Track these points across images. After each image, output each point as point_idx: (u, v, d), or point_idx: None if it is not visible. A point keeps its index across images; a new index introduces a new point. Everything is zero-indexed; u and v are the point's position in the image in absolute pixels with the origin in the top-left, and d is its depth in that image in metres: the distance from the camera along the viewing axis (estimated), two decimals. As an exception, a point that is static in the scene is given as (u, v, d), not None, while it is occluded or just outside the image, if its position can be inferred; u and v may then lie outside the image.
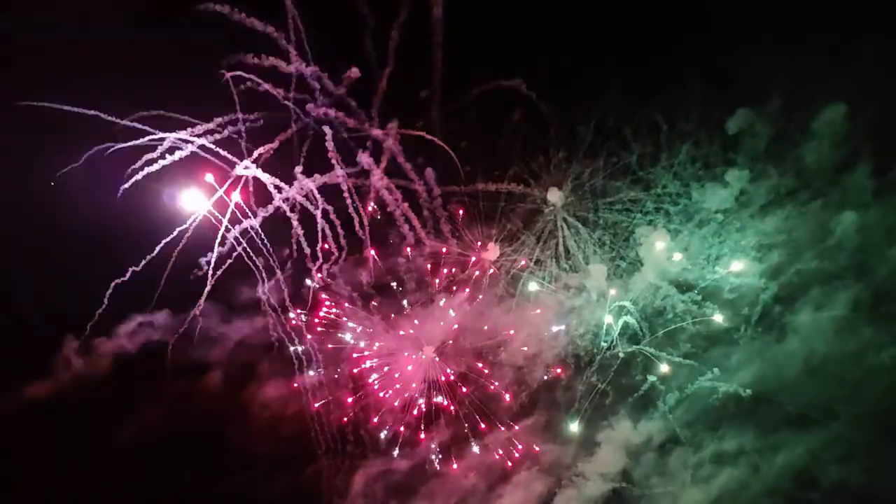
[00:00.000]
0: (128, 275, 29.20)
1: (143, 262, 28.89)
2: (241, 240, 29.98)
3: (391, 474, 34.98)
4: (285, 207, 29.89)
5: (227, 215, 29.39)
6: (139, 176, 27.52)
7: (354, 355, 34.93)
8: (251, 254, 30.56)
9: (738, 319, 33.14)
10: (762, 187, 31.43)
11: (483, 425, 34.85)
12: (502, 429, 34.77)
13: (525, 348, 34.38)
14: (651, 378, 33.99)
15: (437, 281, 34.07)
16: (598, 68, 29.87)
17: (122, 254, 29.11)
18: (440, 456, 34.94)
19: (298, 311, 33.40)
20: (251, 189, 29.80)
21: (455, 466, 34.87)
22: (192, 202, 29.16)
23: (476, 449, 34.84)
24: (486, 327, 34.51)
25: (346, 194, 30.21)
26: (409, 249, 33.14)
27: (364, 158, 29.77)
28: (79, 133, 26.09)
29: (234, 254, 30.18)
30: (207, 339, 32.19)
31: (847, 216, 30.86)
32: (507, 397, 34.61)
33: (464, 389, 34.78)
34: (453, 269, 34.08)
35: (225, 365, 32.91)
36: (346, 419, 34.86)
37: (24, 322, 29.31)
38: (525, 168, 32.35)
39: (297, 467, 34.13)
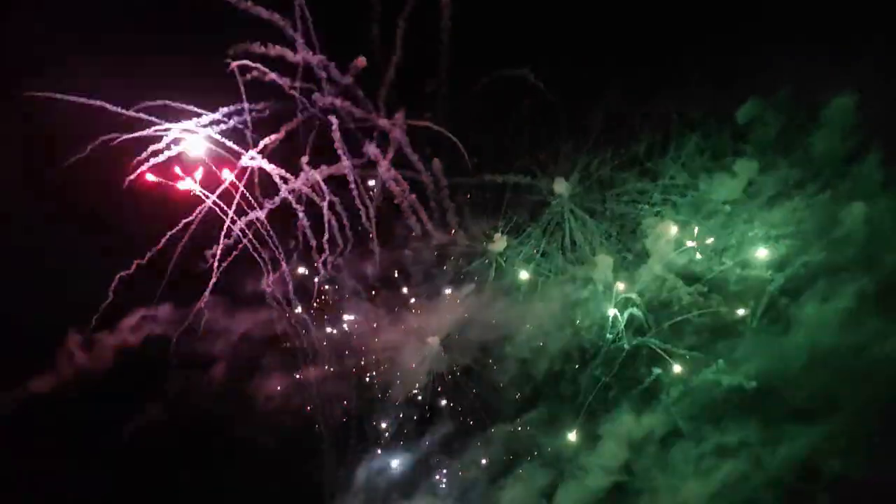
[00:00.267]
0: (133, 268, 28.90)
1: (149, 255, 28.58)
2: (247, 231, 29.77)
3: (394, 467, 34.86)
4: (291, 199, 29.62)
5: (233, 207, 29.17)
6: (144, 167, 27.24)
7: (358, 348, 34.61)
8: (257, 246, 30.38)
9: (744, 311, 32.90)
10: (771, 178, 31.20)
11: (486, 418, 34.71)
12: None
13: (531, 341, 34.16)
14: (656, 370, 33.79)
15: (443, 273, 33.77)
16: (607, 58, 29.72)
17: (126, 246, 28.86)
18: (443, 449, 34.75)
19: (303, 303, 33.04)
20: (256, 180, 29.57)
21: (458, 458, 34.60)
22: (198, 194, 28.83)
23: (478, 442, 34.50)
24: (492, 320, 34.17)
25: (352, 185, 29.94)
26: (415, 242, 32.84)
27: (371, 149, 29.46)
28: (83, 124, 25.67)
29: (240, 245, 29.93)
30: (211, 333, 31.94)
31: (855, 207, 30.64)
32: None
33: (468, 382, 34.50)
34: (460, 261, 33.78)
35: (228, 358, 32.71)
36: (349, 413, 34.61)
37: (26, 315, 28.79)
38: (532, 159, 32.12)
39: (300, 461, 33.91)
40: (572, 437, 34.52)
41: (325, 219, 30.24)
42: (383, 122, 29.65)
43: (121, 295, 29.41)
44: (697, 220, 32.48)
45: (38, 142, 27.12)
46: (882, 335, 30.96)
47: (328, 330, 34.32)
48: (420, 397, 35.06)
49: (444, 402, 35.15)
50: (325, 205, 29.97)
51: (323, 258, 31.38)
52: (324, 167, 29.62)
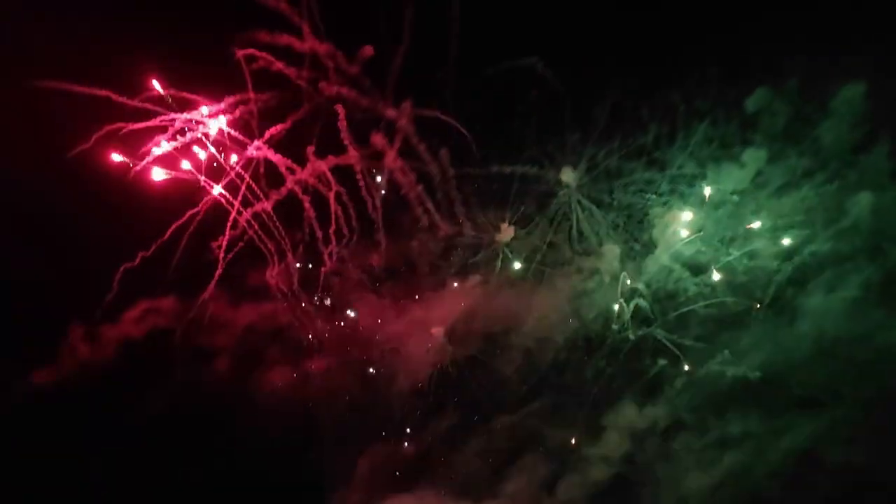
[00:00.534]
0: (137, 260, 28.66)
1: (155, 247, 28.37)
2: (253, 223, 29.59)
3: (397, 459, 34.70)
4: (297, 190, 29.43)
5: (239, 198, 28.96)
6: (150, 158, 26.97)
7: (363, 339, 34.48)
8: (263, 237, 30.19)
9: (751, 302, 32.82)
10: (779, 167, 31.05)
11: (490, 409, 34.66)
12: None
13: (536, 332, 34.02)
14: (661, 362, 33.74)
15: (449, 264, 33.67)
16: (615, 47, 29.44)
17: (131, 238, 28.75)
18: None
19: (308, 295, 32.87)
20: (262, 171, 29.34)
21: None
22: (204, 185, 28.56)
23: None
24: (497, 311, 34.02)
25: (359, 176, 29.74)
26: (422, 233, 32.68)
27: (378, 139, 29.24)
28: (89, 114, 25.42)
29: (246, 237, 29.74)
30: (215, 325, 31.80)
31: (863, 197, 30.53)
32: None
33: (472, 373, 34.42)
34: (466, 252, 33.70)
35: (233, 350, 32.54)
36: (352, 404, 34.53)
37: (29, 308, 28.79)
38: (540, 150, 31.92)
39: (303, 453, 33.82)
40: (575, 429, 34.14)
41: (332, 210, 29.99)
42: (390, 112, 29.37)
43: (125, 286, 29.10)
44: (705, 210, 32.10)
45: (43, 131, 26.77)
46: (887, 325, 30.83)
47: (333, 321, 34.03)
48: (424, 388, 34.84)
49: (448, 394, 34.94)
50: (331, 195, 29.71)
51: (329, 250, 31.17)
52: (330, 157, 29.32)
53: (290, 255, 31.21)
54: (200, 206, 28.79)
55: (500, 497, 34.08)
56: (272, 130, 28.68)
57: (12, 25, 25.11)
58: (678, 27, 29.47)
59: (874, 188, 30.31)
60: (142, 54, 26.07)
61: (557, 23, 29.62)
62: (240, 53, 26.24)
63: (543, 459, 34.55)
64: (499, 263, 33.77)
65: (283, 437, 32.91)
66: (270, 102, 28.44)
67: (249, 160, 28.84)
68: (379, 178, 30.78)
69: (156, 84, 26.62)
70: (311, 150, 29.30)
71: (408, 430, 35.06)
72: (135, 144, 27.16)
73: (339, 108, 28.79)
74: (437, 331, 34.10)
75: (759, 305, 32.87)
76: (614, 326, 33.93)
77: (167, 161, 27.90)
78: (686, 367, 33.70)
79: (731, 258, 32.60)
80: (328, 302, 33.82)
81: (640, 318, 33.86)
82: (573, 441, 34.79)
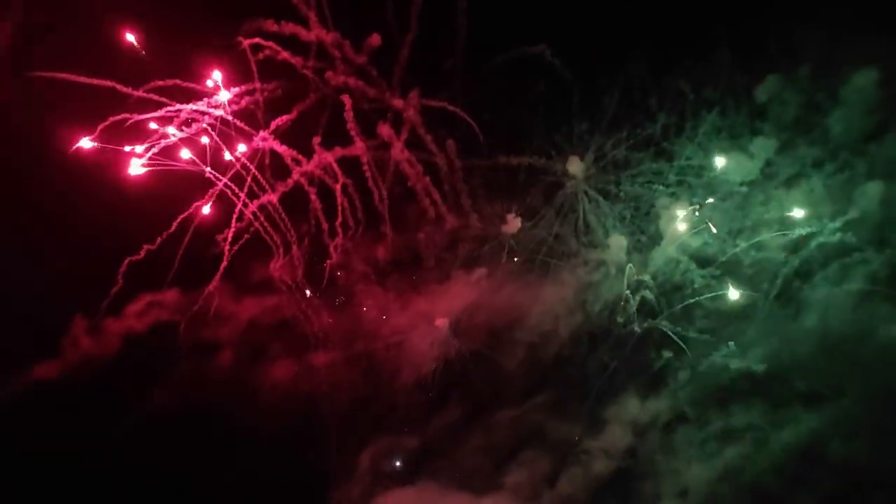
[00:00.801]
0: (142, 253, 28.36)
1: (160, 239, 28.08)
2: (259, 215, 29.31)
3: (400, 452, 34.59)
4: (303, 181, 29.13)
5: (245, 189, 28.67)
6: (155, 149, 26.67)
7: (368, 332, 34.27)
8: (269, 229, 29.92)
9: (757, 294, 32.70)
10: (788, 158, 30.88)
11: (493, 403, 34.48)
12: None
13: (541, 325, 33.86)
14: (666, 354, 33.60)
15: (455, 256, 33.43)
16: (624, 36, 29.27)
17: (136, 230, 28.45)
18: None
19: (314, 287, 32.63)
20: (267, 162, 29.03)
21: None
22: (209, 175, 28.29)
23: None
24: (502, 304, 33.84)
25: (365, 167, 29.48)
26: (428, 225, 32.43)
27: (384, 130, 28.94)
28: (93, 105, 25.08)
29: (252, 229, 29.47)
30: (219, 318, 31.55)
31: (872, 187, 30.38)
32: None
33: (476, 366, 34.31)
34: (472, 245, 33.45)
35: (236, 344, 32.27)
36: (356, 396, 34.27)
37: (32, 301, 28.44)
38: (547, 140, 31.67)
39: (307, 447, 33.74)
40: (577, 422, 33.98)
41: (339, 202, 29.73)
42: (397, 102, 29.06)
43: (129, 280, 28.80)
44: (714, 201, 32.04)
45: (48, 123, 26.44)
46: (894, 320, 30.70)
47: (338, 314, 33.79)
48: (428, 382, 34.62)
49: (451, 387, 34.73)
50: (338, 187, 29.45)
51: (335, 242, 30.91)
52: (337, 148, 29.04)
53: (295, 248, 30.91)
54: (206, 198, 28.42)
55: (503, 490, 33.88)
56: (278, 121, 28.45)
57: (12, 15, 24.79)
58: (687, 14, 29.19)
59: (885, 178, 30.12)
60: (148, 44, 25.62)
61: (565, 11, 29.34)
62: (246, 43, 25.84)
63: (546, 453, 34.25)
64: (504, 255, 33.50)
65: (286, 430, 32.76)
66: (276, 92, 28.21)
67: (255, 151, 28.47)
68: None
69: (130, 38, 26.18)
70: (317, 140, 29.02)
71: (411, 424, 34.79)
72: (140, 136, 26.72)
73: (346, 99, 28.57)
74: (442, 322, 33.79)
75: (764, 298, 32.57)
76: (619, 319, 33.70)
77: (172, 152, 27.50)
78: (691, 360, 33.38)
79: (737, 250, 32.32)
80: (333, 295, 33.53)
81: (645, 310, 33.59)
82: (577, 435, 34.58)
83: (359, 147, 29.06)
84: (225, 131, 27.98)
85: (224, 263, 29.87)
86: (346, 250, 31.85)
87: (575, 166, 31.91)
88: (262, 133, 28.21)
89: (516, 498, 33.60)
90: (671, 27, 29.25)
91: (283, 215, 29.91)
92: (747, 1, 28.76)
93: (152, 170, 27.38)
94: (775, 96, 30.06)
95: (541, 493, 33.77)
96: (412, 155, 30.05)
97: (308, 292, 32.71)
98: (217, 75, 27.14)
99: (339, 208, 30.13)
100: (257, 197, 29.24)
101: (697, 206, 32.10)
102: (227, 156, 28.46)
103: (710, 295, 32.84)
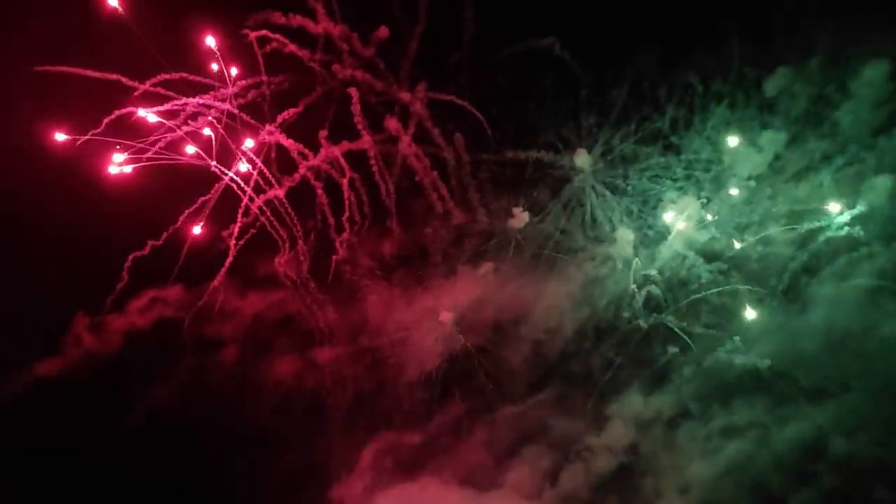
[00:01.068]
0: (147, 249, 28.10)
1: (166, 235, 27.84)
2: (265, 209, 29.05)
3: (402, 448, 34.32)
4: (310, 176, 28.90)
5: (251, 184, 28.43)
6: (161, 144, 26.37)
7: (373, 328, 34.05)
8: (275, 224, 29.66)
9: (764, 290, 32.58)
10: (797, 151, 30.70)
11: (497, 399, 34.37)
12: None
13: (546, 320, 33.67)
14: (672, 350, 33.50)
15: (461, 251, 33.24)
16: (633, 28, 29.07)
17: (140, 226, 28.28)
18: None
19: (319, 283, 32.39)
20: (273, 156, 28.77)
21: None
22: (215, 170, 28.07)
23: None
24: (507, 299, 33.66)
25: (372, 161, 29.22)
26: (435, 220, 32.22)
27: (392, 124, 28.68)
28: (99, 98, 24.88)
29: (258, 223, 29.21)
30: (224, 314, 31.37)
31: (881, 181, 30.23)
32: None
33: (481, 362, 34.08)
34: (478, 239, 33.28)
35: (241, 340, 32.15)
36: (359, 392, 34.12)
37: (35, 298, 28.30)
38: (555, 134, 31.44)
39: (310, 442, 33.50)
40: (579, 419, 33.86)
41: (346, 197, 29.48)
42: (405, 96, 28.82)
43: (134, 275, 28.61)
44: (720, 195, 31.78)
45: (53, 116, 26.08)
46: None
47: (343, 310, 33.56)
48: (432, 377, 34.42)
49: (455, 383, 34.57)
50: (345, 182, 29.21)
51: (341, 238, 30.69)
52: (344, 143, 28.78)
53: (301, 243, 30.65)
54: (212, 192, 28.16)
55: (505, 487, 33.80)
56: (284, 114, 28.20)
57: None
58: (696, 5, 29.02)
59: (894, 171, 30.00)
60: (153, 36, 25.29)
61: (573, 4, 29.20)
62: (252, 35, 25.52)
63: (549, 450, 34.15)
64: (511, 250, 33.34)
65: (289, 426, 32.83)
66: (283, 86, 27.96)
67: (261, 145, 28.22)
68: None
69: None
70: (323, 134, 28.78)
71: (414, 420, 34.61)
72: (145, 130, 26.46)
73: (353, 92, 28.31)
74: (447, 317, 33.59)
75: (771, 294, 32.49)
76: (625, 314, 33.53)
77: (177, 147, 27.19)
78: (696, 356, 33.27)
79: (745, 245, 32.18)
80: (338, 290, 33.27)
81: (651, 305, 33.46)
82: (580, 431, 34.45)
83: (366, 141, 28.84)
84: (231, 125, 27.72)
85: (229, 259, 29.58)
86: (352, 245, 31.64)
87: (582, 159, 31.67)
88: (268, 127, 27.91)
89: (519, 494, 33.48)
90: (680, 19, 29.02)
91: (289, 210, 29.64)
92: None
93: (155, 165, 27.05)
94: (785, 89, 29.82)
95: (543, 489, 33.71)
96: (420, 149, 29.81)
97: (313, 288, 32.40)
98: (223, 67, 26.92)
99: (346, 203, 29.87)
100: (263, 191, 28.96)
101: (705, 201, 31.88)
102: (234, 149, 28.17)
103: (716, 290, 32.63)
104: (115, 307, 29.70)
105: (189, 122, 26.70)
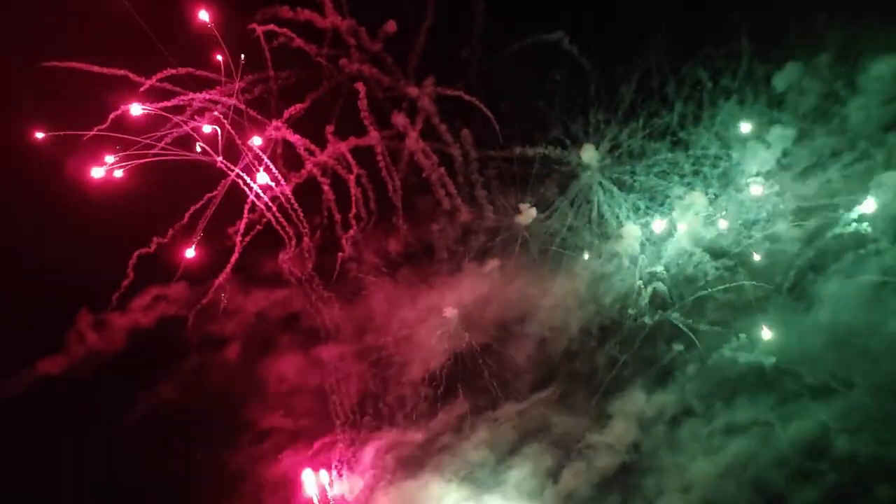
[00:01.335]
0: (153, 247, 27.91)
1: (171, 231, 27.66)
2: (272, 205, 28.84)
3: (404, 446, 34.24)
4: (316, 172, 28.65)
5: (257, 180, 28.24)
6: (168, 140, 26.16)
7: (378, 325, 33.88)
8: (281, 221, 29.46)
9: (770, 287, 32.46)
10: (805, 148, 30.56)
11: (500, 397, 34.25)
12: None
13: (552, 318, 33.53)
14: (677, 347, 33.37)
15: (468, 248, 33.05)
16: (641, 23, 28.97)
17: (146, 222, 28.12)
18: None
19: (324, 280, 32.23)
20: (280, 151, 28.57)
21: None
22: (221, 165, 27.84)
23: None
24: (513, 296, 33.51)
25: (379, 157, 29.00)
26: (442, 216, 32.03)
27: (399, 119, 28.48)
28: (106, 94, 24.65)
29: (264, 220, 29.00)
30: (228, 311, 31.32)
31: (889, 177, 30.10)
32: None
33: (485, 360, 33.93)
34: (485, 236, 33.06)
35: (245, 337, 32.01)
36: (364, 391, 34.04)
37: (40, 294, 28.12)
38: (563, 130, 31.26)
39: (313, 440, 33.46)
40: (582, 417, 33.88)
41: (352, 193, 29.31)
42: (412, 91, 28.62)
43: (140, 272, 28.44)
44: (728, 192, 31.62)
45: (57, 113, 25.94)
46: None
47: (348, 307, 33.42)
48: (436, 375, 34.29)
49: (459, 381, 34.44)
50: (351, 178, 29.01)
51: (347, 235, 30.49)
52: (351, 138, 28.58)
53: (307, 240, 30.47)
54: (218, 189, 27.96)
55: (507, 484, 33.69)
56: (291, 110, 28.00)
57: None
58: (705, 1, 29.08)
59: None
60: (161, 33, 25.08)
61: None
62: (259, 30, 25.29)
63: (551, 447, 34.04)
64: (517, 247, 33.17)
65: (292, 423, 32.97)
66: (290, 81, 27.75)
67: (268, 141, 28.02)
68: None
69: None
70: (330, 130, 28.60)
71: (418, 417, 34.49)
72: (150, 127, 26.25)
73: (360, 87, 28.14)
74: (451, 313, 33.40)
75: (777, 291, 32.37)
76: (631, 311, 33.39)
77: (183, 143, 27.01)
78: (700, 353, 33.15)
79: (751, 242, 32.07)
80: (344, 287, 33.15)
81: (657, 302, 33.29)
82: (583, 429, 34.35)
83: (373, 137, 28.61)
84: (237, 121, 27.50)
85: (235, 256, 29.37)
86: (358, 242, 31.44)
87: (590, 155, 31.50)
88: (274, 122, 27.71)
89: (521, 492, 33.37)
90: (689, 14, 28.90)
91: (295, 206, 29.45)
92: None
93: (159, 162, 26.85)
94: (794, 85, 29.66)
95: (545, 487, 33.61)
96: (427, 145, 29.62)
97: (318, 285, 32.25)
98: (228, 60, 26.74)
99: (353, 199, 29.69)
100: (270, 187, 28.73)
101: (713, 197, 31.74)
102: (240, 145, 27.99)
103: (722, 287, 32.52)
104: (119, 305, 29.52)
105: (195, 117, 26.42)
